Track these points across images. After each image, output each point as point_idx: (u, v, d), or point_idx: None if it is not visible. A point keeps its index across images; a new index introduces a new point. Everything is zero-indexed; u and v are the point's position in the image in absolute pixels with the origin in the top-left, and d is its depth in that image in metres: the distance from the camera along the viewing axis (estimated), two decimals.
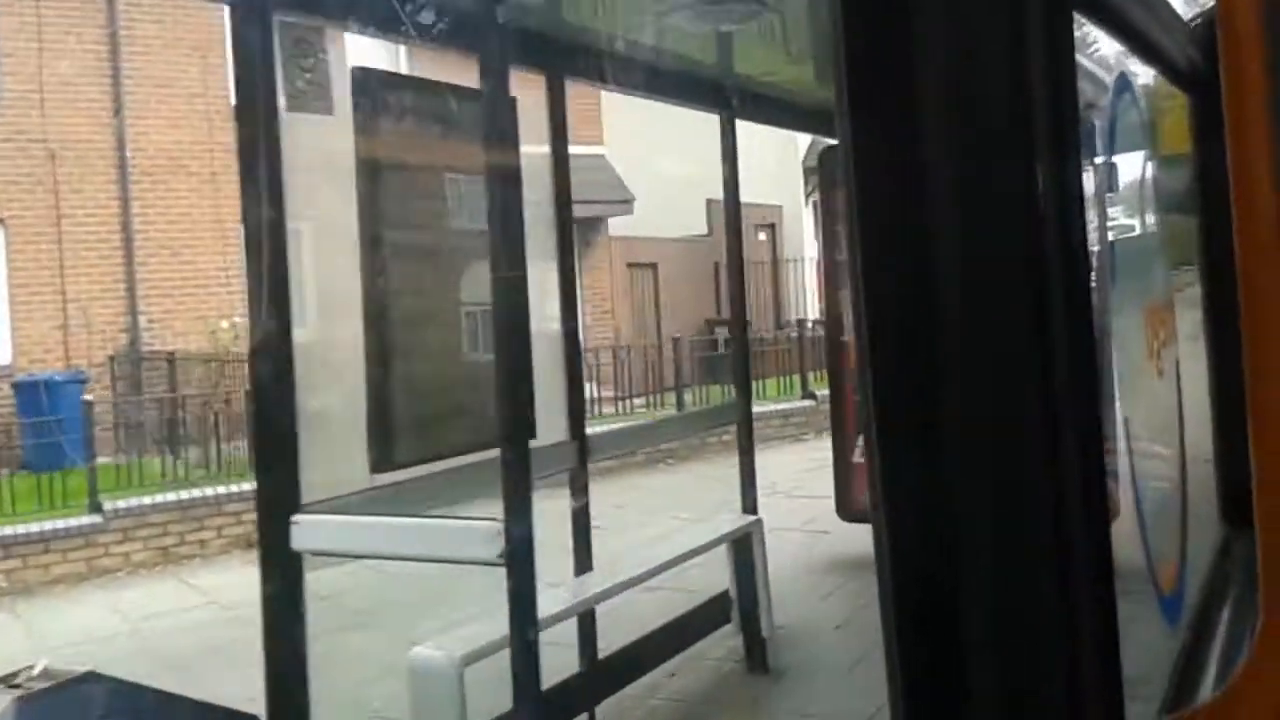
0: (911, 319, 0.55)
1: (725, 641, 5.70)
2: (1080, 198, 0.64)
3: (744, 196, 5.89)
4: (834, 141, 5.93)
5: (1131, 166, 2.26)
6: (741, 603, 5.56)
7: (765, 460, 6.68)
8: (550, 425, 4.47)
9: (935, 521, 0.53)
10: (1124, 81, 1.86)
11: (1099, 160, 1.81)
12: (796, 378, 15.29)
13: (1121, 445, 1.69)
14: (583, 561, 4.80)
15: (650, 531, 7.42)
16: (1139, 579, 1.70)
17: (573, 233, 4.79)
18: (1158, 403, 2.00)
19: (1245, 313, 0.70)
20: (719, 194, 5.88)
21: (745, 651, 5.66)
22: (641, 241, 18.81)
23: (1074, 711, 0.52)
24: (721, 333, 17.04)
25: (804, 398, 14.30)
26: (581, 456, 4.72)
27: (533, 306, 3.66)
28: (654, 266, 19.26)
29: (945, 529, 0.53)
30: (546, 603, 3.81)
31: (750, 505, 5.77)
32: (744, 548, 5.53)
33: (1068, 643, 0.51)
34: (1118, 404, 1.65)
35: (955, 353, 0.54)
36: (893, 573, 0.54)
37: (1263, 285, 0.57)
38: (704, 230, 18.83)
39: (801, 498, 9.07)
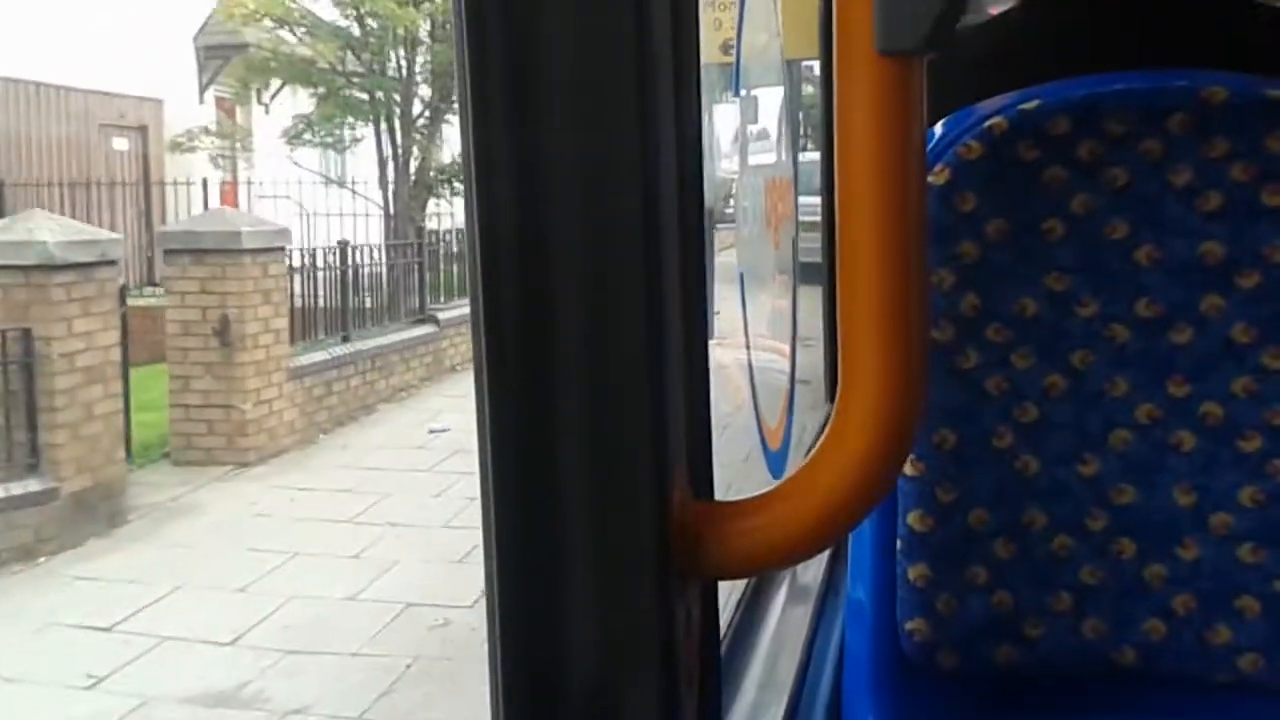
0: (523, 249, 0.55)
1: None
2: (698, 138, 0.65)
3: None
4: None
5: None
6: None
7: None
8: None
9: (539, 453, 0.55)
10: None
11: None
12: None
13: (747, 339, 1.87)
14: None
15: None
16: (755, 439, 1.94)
17: None
18: (777, 303, 2.23)
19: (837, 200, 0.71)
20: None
21: None
22: None
23: (670, 654, 0.56)
24: None
25: None
26: None
27: None
28: None
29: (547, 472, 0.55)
30: None
31: None
32: None
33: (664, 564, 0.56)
34: (745, 305, 1.83)
35: (567, 293, 0.55)
36: (496, 496, 0.55)
37: (848, 176, 0.60)
38: None
39: None
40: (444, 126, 15.36)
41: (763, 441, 2.21)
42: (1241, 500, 1.10)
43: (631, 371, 0.56)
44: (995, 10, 1.82)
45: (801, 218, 2.46)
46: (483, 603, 0.59)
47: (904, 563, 1.15)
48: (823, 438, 0.60)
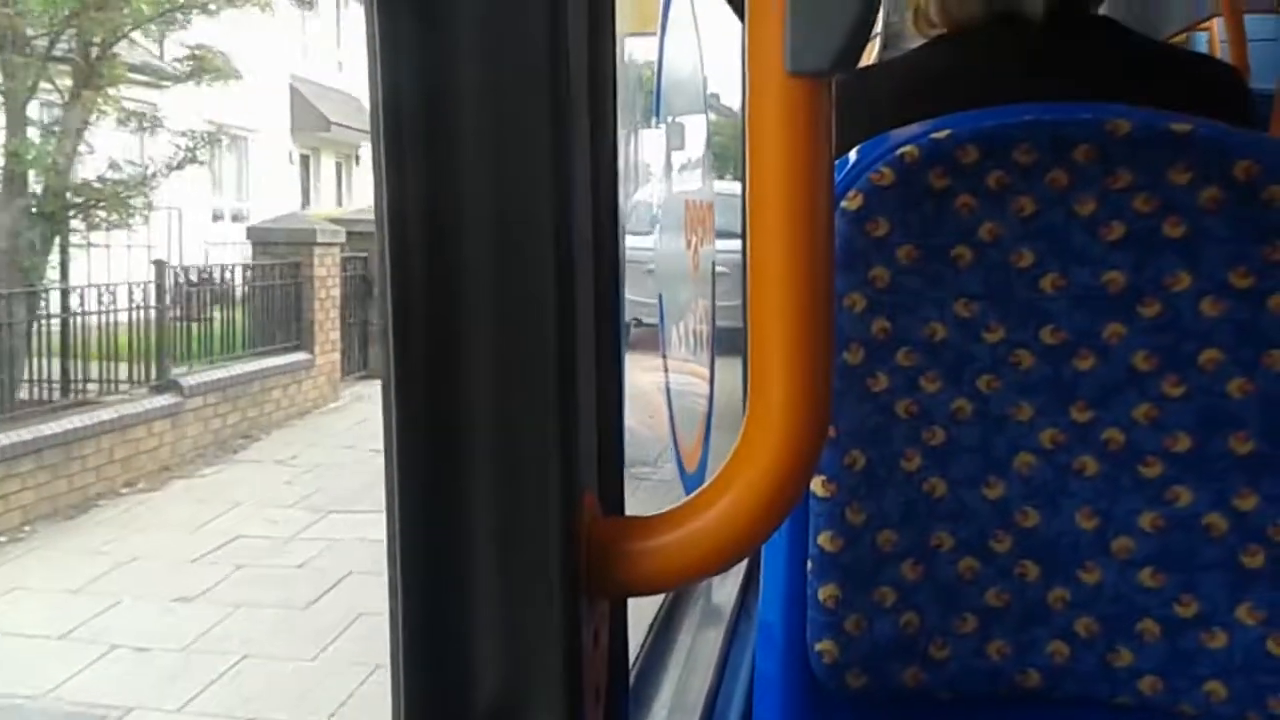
0: (432, 268, 0.54)
1: None
2: (613, 163, 0.65)
3: None
4: None
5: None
6: None
7: None
8: None
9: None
10: None
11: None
12: None
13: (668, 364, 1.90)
14: None
15: None
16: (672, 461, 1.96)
17: None
18: (697, 326, 2.27)
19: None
20: None
21: None
22: None
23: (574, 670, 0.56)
24: None
25: None
26: None
27: None
28: None
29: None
30: None
31: None
32: None
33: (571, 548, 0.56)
34: (668, 333, 1.87)
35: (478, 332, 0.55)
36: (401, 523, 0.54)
37: (757, 193, 0.60)
38: None
39: None
40: (91, 125, 10.41)
41: (679, 464, 2.23)
42: (1142, 525, 1.12)
43: (540, 390, 0.56)
44: (911, 46, 1.86)
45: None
46: None
47: (814, 583, 1.16)
48: (730, 455, 0.60)
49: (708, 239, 2.53)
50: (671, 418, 2.08)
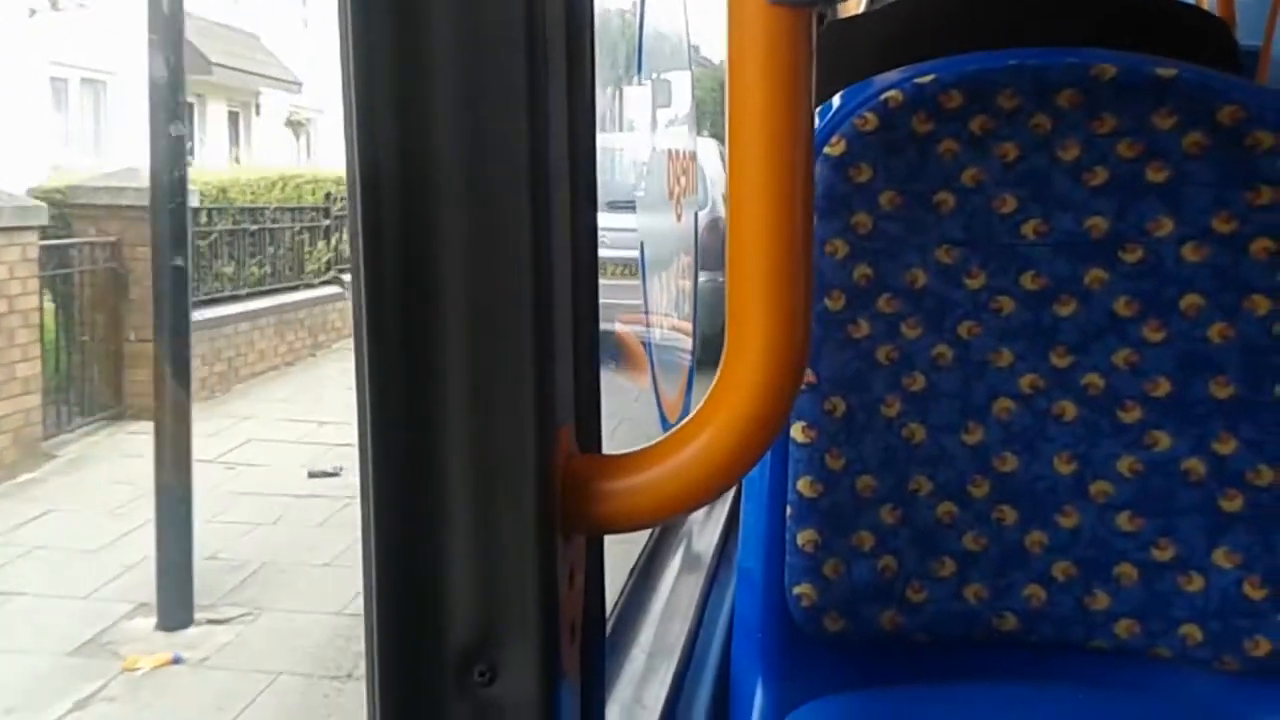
0: (406, 202, 0.54)
1: None
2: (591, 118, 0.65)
3: None
4: None
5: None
6: None
7: None
8: None
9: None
10: None
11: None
12: None
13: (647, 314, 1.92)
14: None
15: None
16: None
17: None
18: (680, 281, 2.28)
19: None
20: None
21: None
22: None
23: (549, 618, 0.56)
24: None
25: None
26: None
27: None
28: None
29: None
30: None
31: None
32: None
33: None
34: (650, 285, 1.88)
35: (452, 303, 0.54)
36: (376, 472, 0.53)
37: (738, 127, 0.60)
38: None
39: None
40: None
41: (661, 415, 2.23)
42: (1120, 469, 1.13)
43: (516, 327, 0.55)
44: None
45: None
46: None
47: (793, 528, 1.16)
48: (708, 393, 0.60)
49: (690, 190, 2.52)
50: (654, 370, 2.09)
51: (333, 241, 11.65)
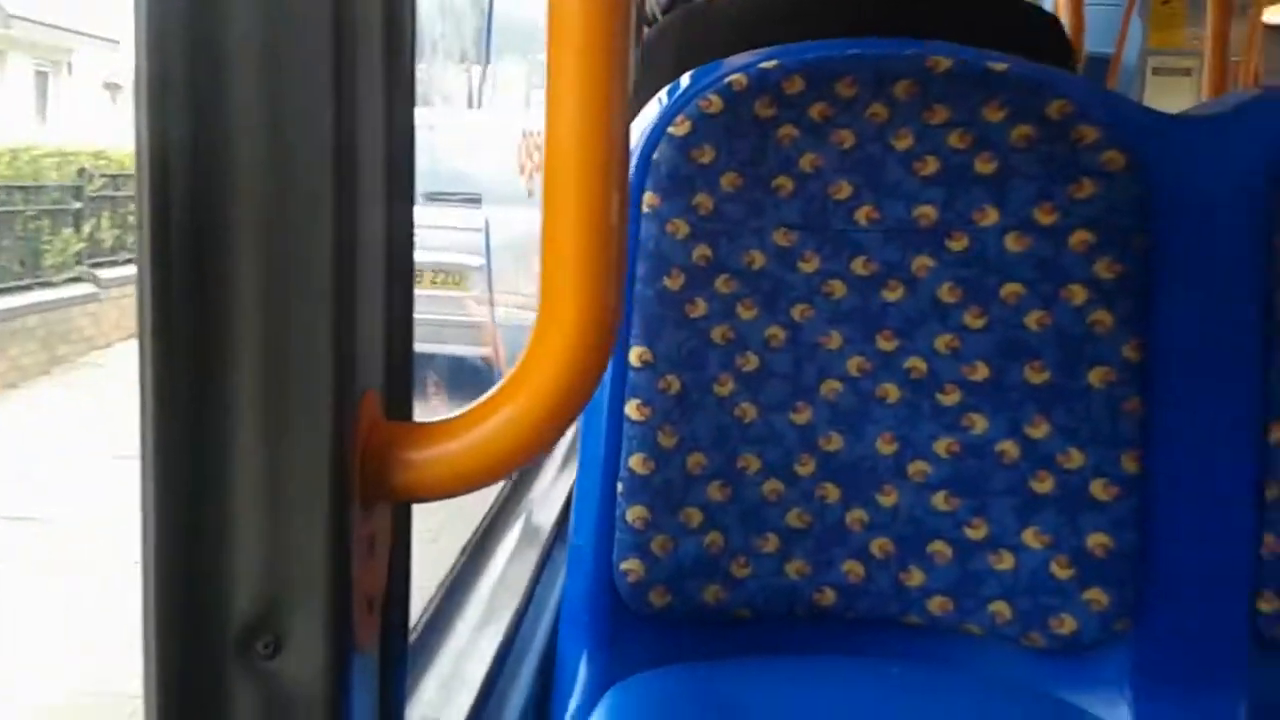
0: (195, 157, 0.51)
1: None
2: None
3: None
4: None
5: None
6: None
7: None
8: None
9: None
10: None
11: None
12: None
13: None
14: None
15: None
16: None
17: None
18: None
19: None
20: None
21: None
22: None
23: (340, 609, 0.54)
24: None
25: None
26: None
27: None
28: None
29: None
30: None
31: None
32: None
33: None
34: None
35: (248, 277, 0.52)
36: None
37: (555, 84, 0.59)
38: None
39: None
40: None
41: None
42: (938, 450, 1.16)
43: (314, 284, 0.53)
44: None
45: None
46: None
47: (623, 505, 1.16)
48: (517, 365, 0.59)
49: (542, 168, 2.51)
50: (497, 344, 2.07)
51: (86, 229, 9.76)
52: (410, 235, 0.65)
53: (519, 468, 0.54)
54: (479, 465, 0.59)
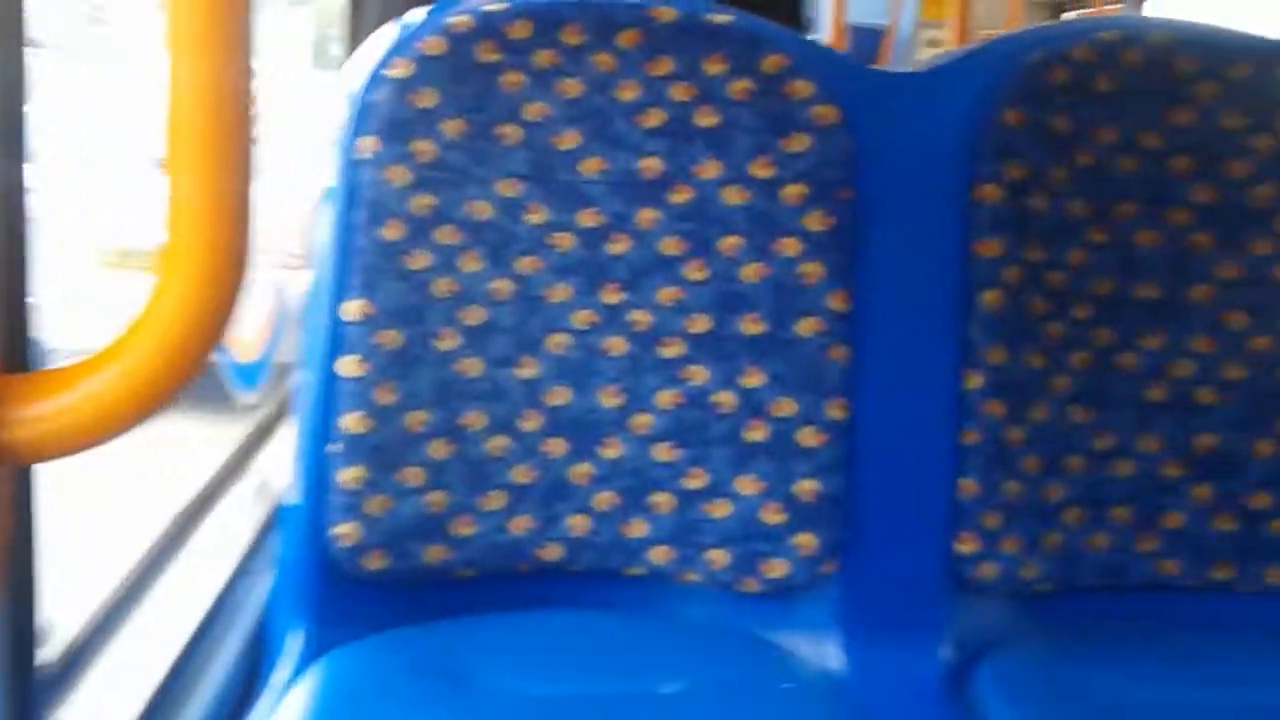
0: None
1: None
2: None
3: None
4: None
5: None
6: None
7: None
8: None
9: None
10: None
11: None
12: None
13: None
14: None
15: None
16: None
17: None
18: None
19: None
20: None
21: None
22: None
23: None
24: None
25: None
26: None
27: None
28: None
29: None
30: None
31: None
32: None
33: None
34: None
35: None
36: None
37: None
38: None
39: None
40: None
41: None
42: (660, 402, 1.17)
43: None
44: None
45: None
46: None
47: (337, 466, 1.11)
48: (141, 309, 0.54)
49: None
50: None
51: None
52: (22, 194, 0.59)
53: (152, 415, 0.49)
54: (102, 418, 0.54)
